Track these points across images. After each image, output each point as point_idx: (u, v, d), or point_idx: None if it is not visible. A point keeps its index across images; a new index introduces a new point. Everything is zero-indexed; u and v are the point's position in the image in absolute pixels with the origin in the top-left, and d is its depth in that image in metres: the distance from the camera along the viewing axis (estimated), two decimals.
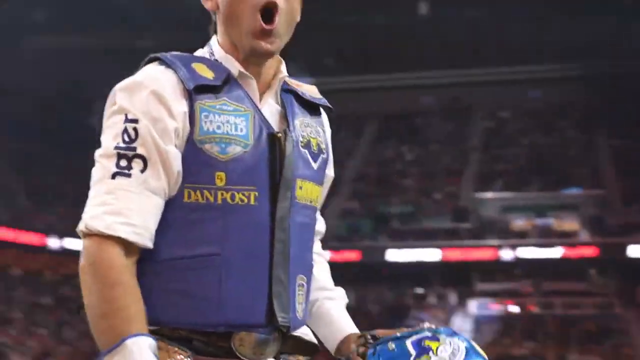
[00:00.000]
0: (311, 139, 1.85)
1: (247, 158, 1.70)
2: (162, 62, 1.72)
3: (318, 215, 1.93)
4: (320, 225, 1.98)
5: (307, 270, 1.83)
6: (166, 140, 1.64)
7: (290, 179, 1.73)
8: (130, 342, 1.53)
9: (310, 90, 1.92)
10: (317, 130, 1.88)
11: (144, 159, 1.63)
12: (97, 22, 32.22)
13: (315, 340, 1.88)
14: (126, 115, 1.64)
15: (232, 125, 1.70)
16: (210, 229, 1.67)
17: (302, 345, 1.83)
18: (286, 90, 1.85)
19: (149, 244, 1.63)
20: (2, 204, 30.40)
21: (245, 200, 1.69)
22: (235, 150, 1.69)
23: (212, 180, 1.67)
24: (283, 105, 1.82)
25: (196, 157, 1.67)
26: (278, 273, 1.71)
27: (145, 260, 1.64)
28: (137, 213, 1.60)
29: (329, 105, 1.94)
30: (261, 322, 1.70)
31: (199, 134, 1.67)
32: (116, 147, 1.62)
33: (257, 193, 1.69)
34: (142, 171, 1.62)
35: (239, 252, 1.68)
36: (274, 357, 1.77)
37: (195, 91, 1.68)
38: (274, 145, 1.73)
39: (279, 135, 1.74)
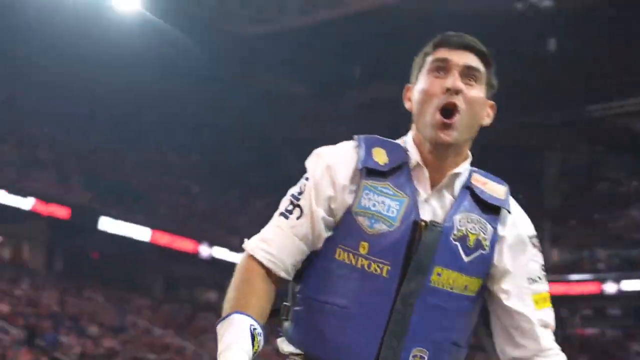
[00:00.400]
0: (470, 234, 2.02)
1: (389, 236, 1.98)
2: (355, 141, 2.11)
3: (520, 326, 2.04)
4: (529, 343, 2.05)
5: (436, 348, 2.00)
6: (318, 203, 2.04)
7: (424, 264, 1.97)
8: (236, 316, 1.91)
9: (494, 190, 2.09)
10: (485, 228, 2.04)
11: (301, 210, 2.04)
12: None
13: None
14: (307, 173, 2.10)
15: (386, 206, 2.01)
16: (346, 286, 2.00)
17: None
18: (467, 186, 2.08)
19: (282, 273, 2.03)
20: None
21: (379, 271, 1.98)
22: (381, 227, 1.99)
23: (357, 247, 2.00)
24: (458, 201, 2.05)
25: (350, 225, 2.01)
26: (390, 340, 1.97)
27: (301, 292, 2.08)
28: (278, 247, 2.02)
29: (507, 208, 2.07)
30: None
31: (357, 207, 2.02)
32: (292, 195, 2.09)
33: (389, 268, 1.97)
34: (297, 218, 2.04)
35: (362, 311, 1.98)
36: None
37: (365, 171, 2.04)
38: (416, 231, 1.98)
39: (422, 224, 1.99)
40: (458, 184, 2.07)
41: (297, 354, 2.06)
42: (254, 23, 27.23)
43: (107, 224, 27.37)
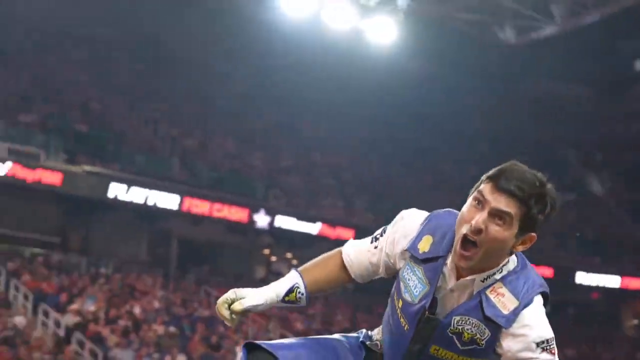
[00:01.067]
0: (465, 332, 2.34)
1: (410, 307, 2.43)
2: (427, 218, 2.51)
3: None
4: None
5: None
6: (388, 248, 2.56)
7: (420, 343, 2.41)
8: (293, 272, 2.60)
9: (504, 304, 2.31)
10: (483, 332, 2.32)
11: (378, 244, 2.60)
12: None
13: None
14: (393, 223, 2.60)
15: (414, 282, 2.44)
16: (389, 320, 2.55)
17: None
18: (485, 289, 2.33)
19: (352, 274, 2.65)
20: None
21: (404, 324, 2.46)
22: (407, 298, 2.45)
23: (398, 300, 2.49)
24: (469, 301, 2.35)
25: (397, 283, 2.52)
26: None
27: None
28: (357, 257, 2.61)
29: (503, 325, 2.29)
30: None
31: (401, 274, 2.50)
32: (382, 229, 2.63)
33: (408, 327, 2.45)
34: (375, 248, 2.60)
35: (389, 344, 2.55)
36: None
37: (410, 250, 2.48)
38: (419, 317, 2.40)
39: (426, 313, 2.38)
40: (477, 287, 2.34)
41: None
42: (523, 32, 26.72)
43: None
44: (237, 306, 2.49)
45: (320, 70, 28.87)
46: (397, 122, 31.62)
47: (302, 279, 2.58)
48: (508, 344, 2.32)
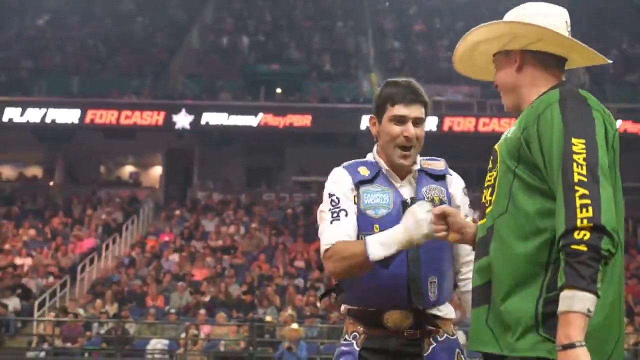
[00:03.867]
0: (434, 197, 3.05)
1: (390, 214, 2.97)
2: (344, 168, 3.10)
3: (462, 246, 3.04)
4: (467, 257, 3.05)
5: (438, 273, 2.99)
6: (349, 204, 3.02)
7: None
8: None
9: (437, 166, 3.15)
10: (441, 190, 3.09)
11: (346, 212, 3.01)
12: None
13: (447, 315, 3.01)
14: (330, 194, 3.06)
15: (380, 197, 3.01)
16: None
17: (430, 319, 2.96)
18: (421, 170, 3.11)
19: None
20: None
21: None
22: (383, 212, 2.99)
23: (372, 230, 2.96)
24: (418, 182, 3.08)
25: (363, 218, 3.00)
26: (413, 272, 2.95)
27: None
28: (349, 235, 2.98)
29: (449, 174, 3.15)
30: (393, 299, 2.95)
31: (362, 205, 3.01)
32: (329, 208, 3.03)
33: None
34: (346, 216, 2.99)
35: (385, 279, 2.93)
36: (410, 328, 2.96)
37: (359, 183, 3.05)
38: (405, 207, 2.93)
39: (407, 201, 2.99)
40: (415, 171, 3.10)
41: (350, 309, 3.07)
42: None
43: None
44: None
45: None
46: None
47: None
48: (453, 191, 3.13)
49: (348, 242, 2.92)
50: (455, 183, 3.15)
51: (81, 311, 15.73)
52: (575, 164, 2.15)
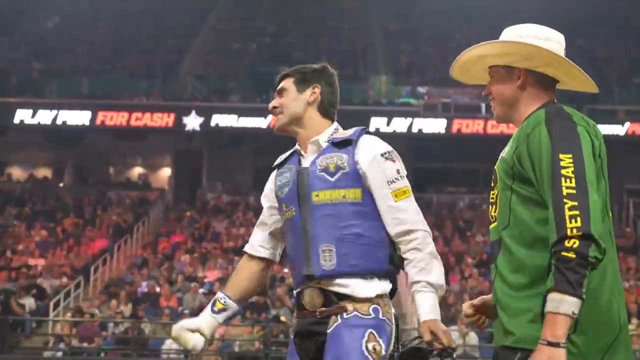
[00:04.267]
0: (329, 165, 3.03)
1: (289, 191, 3.09)
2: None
3: (389, 216, 3.00)
4: (397, 228, 3.00)
5: (339, 241, 2.97)
6: (265, 203, 3.31)
7: (305, 193, 3.03)
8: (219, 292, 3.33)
9: (345, 133, 3.12)
10: (341, 157, 3.03)
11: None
12: None
13: (346, 292, 2.97)
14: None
15: (285, 177, 3.14)
16: (284, 230, 3.18)
17: (329, 296, 2.99)
18: (330, 140, 3.10)
19: (264, 255, 3.34)
20: None
21: (290, 214, 3.08)
22: (285, 190, 3.11)
23: (282, 209, 3.14)
24: (322, 153, 3.08)
25: (277, 200, 3.17)
26: (304, 243, 3.01)
27: None
28: (254, 239, 3.33)
29: (351, 138, 3.07)
30: (302, 275, 3.03)
31: (276, 187, 3.19)
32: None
33: (294, 208, 3.06)
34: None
35: (290, 241, 3.13)
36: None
37: (276, 167, 3.25)
38: (299, 176, 3.07)
39: (300, 171, 3.07)
40: (322, 143, 3.11)
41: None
42: None
43: None
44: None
45: None
46: None
47: (223, 291, 3.24)
48: (361, 157, 3.01)
49: (240, 263, 3.34)
50: (365, 147, 3.02)
51: (96, 311, 15.87)
52: (563, 179, 2.33)
